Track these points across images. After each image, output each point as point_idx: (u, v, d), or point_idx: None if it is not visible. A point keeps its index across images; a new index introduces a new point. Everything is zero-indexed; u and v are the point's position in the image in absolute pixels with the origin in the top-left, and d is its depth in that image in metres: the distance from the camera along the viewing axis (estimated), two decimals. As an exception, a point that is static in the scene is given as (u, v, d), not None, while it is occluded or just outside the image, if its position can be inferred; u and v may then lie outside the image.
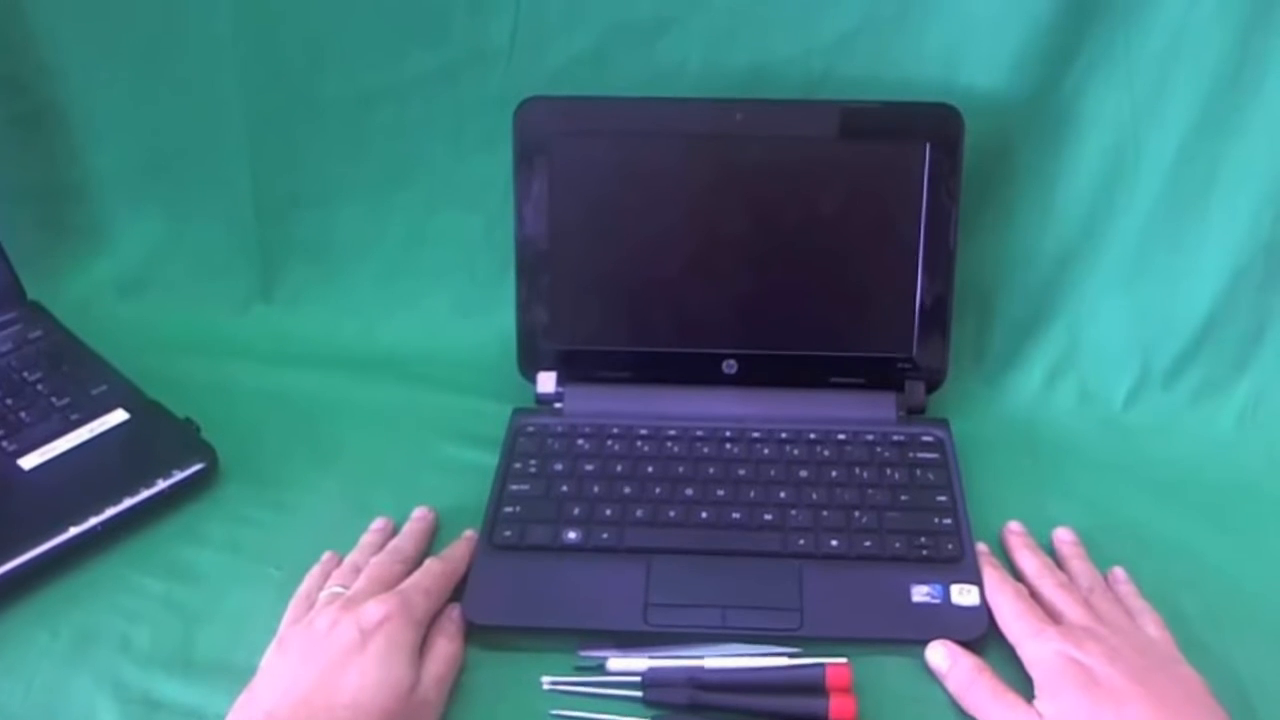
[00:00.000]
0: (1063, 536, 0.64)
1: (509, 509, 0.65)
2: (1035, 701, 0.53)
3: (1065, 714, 0.51)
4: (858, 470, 0.67)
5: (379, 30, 0.74)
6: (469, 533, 0.64)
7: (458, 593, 0.60)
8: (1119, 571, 0.62)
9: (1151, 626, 0.57)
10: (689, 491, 0.66)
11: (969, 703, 0.54)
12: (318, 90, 0.77)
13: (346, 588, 0.58)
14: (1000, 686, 0.54)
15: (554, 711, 0.55)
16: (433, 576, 0.59)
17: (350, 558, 0.62)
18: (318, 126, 0.78)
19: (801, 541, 0.62)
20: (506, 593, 0.60)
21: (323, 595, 0.58)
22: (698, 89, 0.72)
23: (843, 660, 0.56)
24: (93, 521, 0.63)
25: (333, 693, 0.51)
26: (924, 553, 0.62)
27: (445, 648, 0.56)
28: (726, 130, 0.69)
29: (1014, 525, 0.65)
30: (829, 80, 0.71)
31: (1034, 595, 0.60)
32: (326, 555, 0.63)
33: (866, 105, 0.69)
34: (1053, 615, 0.58)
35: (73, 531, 0.62)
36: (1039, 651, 0.55)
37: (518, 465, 0.68)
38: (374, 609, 0.54)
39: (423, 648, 0.55)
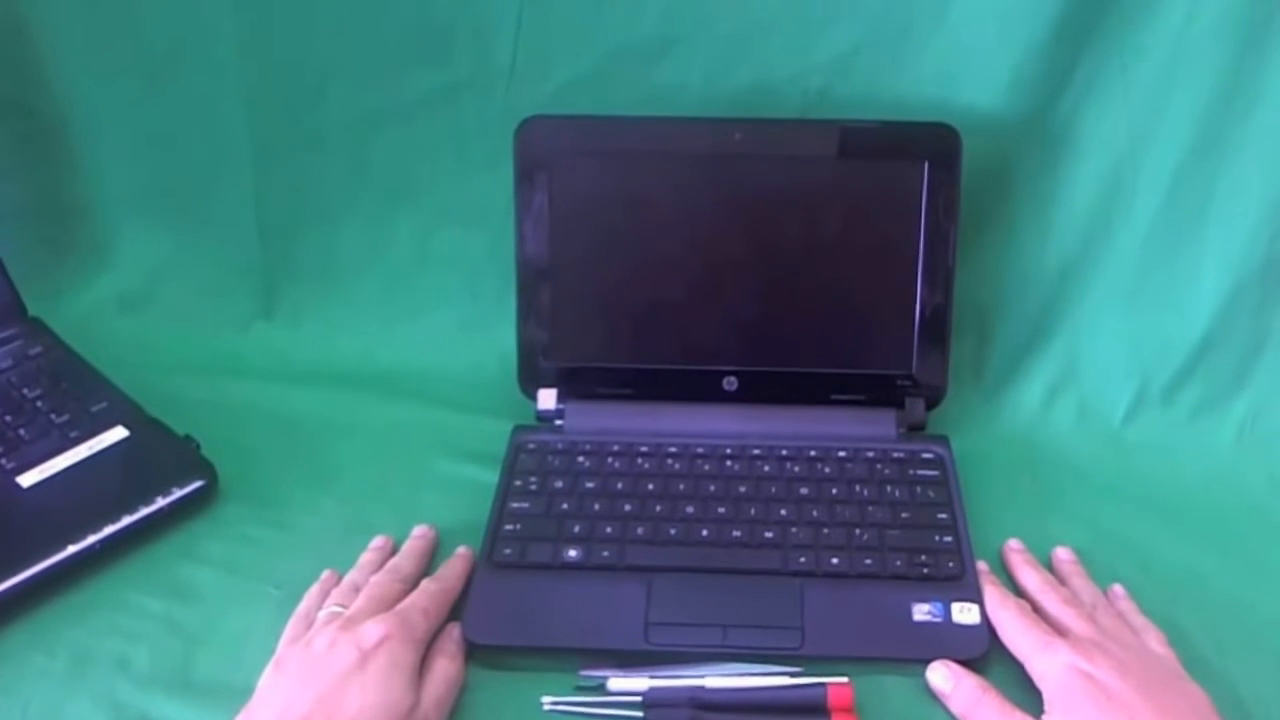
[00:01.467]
0: (1062, 555, 0.65)
1: (509, 527, 0.65)
2: (1045, 717, 0.53)
3: None
4: (858, 487, 0.67)
5: (381, 51, 0.75)
6: (462, 549, 0.64)
7: (457, 611, 0.60)
8: (1118, 589, 0.62)
9: (1154, 643, 0.58)
10: (690, 509, 0.66)
11: None
12: (320, 109, 0.77)
13: (345, 607, 0.58)
14: (1006, 705, 0.54)
15: (555, 731, 0.55)
16: (430, 596, 0.59)
17: (349, 576, 0.62)
18: (320, 146, 0.79)
19: (802, 559, 0.62)
20: (507, 612, 0.60)
21: (321, 614, 0.58)
22: (697, 109, 0.73)
23: (844, 679, 0.56)
24: (91, 540, 0.63)
25: (332, 713, 0.50)
26: (925, 571, 0.62)
27: (445, 667, 0.56)
28: (726, 150, 0.70)
29: (1014, 543, 0.65)
30: (827, 100, 0.72)
31: (1037, 610, 0.60)
32: (325, 574, 0.63)
33: (865, 125, 0.70)
34: (1057, 630, 0.58)
35: (71, 550, 0.62)
36: (1048, 665, 0.54)
37: (518, 483, 0.68)
38: (373, 629, 0.54)
39: (422, 668, 0.55)
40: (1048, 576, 0.62)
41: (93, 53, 0.78)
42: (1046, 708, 0.53)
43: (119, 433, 0.70)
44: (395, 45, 0.74)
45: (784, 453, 0.69)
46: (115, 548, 0.64)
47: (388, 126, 0.77)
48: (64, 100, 0.80)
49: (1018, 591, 0.62)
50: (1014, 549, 0.65)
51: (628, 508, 0.66)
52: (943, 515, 0.65)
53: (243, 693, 0.53)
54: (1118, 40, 0.67)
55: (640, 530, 0.64)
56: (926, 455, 0.69)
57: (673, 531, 0.64)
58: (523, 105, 0.72)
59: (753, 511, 0.65)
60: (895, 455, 0.69)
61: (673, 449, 0.70)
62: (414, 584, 0.60)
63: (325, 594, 0.61)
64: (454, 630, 0.59)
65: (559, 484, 0.68)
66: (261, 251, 0.83)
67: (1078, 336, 0.76)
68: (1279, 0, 0.64)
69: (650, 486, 0.67)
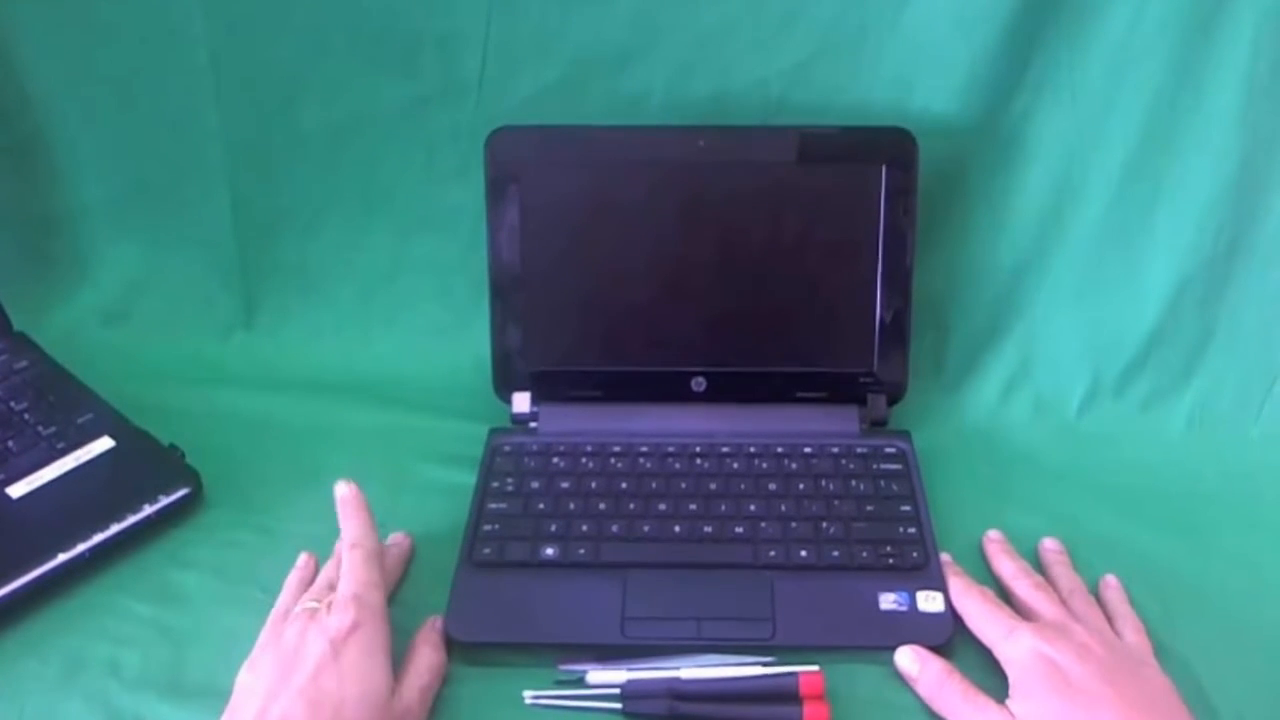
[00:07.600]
0: (1048, 545, 0.66)
1: (488, 527, 0.66)
2: (1008, 701, 0.54)
3: (1038, 715, 0.53)
4: (824, 482, 0.68)
5: (353, 63, 0.75)
6: (398, 536, 0.65)
7: (439, 605, 0.61)
8: (1111, 579, 0.63)
9: (1130, 631, 0.59)
10: (662, 506, 0.67)
11: (940, 705, 0.55)
12: (295, 121, 0.78)
13: (321, 603, 0.58)
14: (970, 688, 0.55)
15: (535, 725, 0.56)
16: (370, 568, 0.58)
17: (325, 572, 0.62)
18: (295, 157, 0.79)
19: (772, 553, 0.64)
20: (487, 609, 0.61)
21: (296, 609, 0.57)
22: (661, 117, 0.74)
23: (815, 668, 0.57)
24: (81, 548, 0.64)
25: (313, 705, 0.51)
26: (890, 561, 0.63)
27: (429, 657, 0.57)
28: (690, 157, 0.70)
29: (993, 533, 0.66)
30: (786, 106, 0.73)
31: (1010, 596, 0.61)
32: (302, 558, 0.63)
33: (825, 130, 0.71)
34: (1027, 615, 0.59)
35: (61, 558, 0.63)
36: (1013, 650, 0.56)
37: (495, 484, 0.69)
38: (338, 618, 0.54)
39: (407, 658, 0.56)
40: (1022, 564, 0.63)
41: (67, 64, 0.77)
42: (1010, 692, 0.55)
43: (105, 443, 0.71)
44: (365, 57, 0.74)
45: (752, 450, 0.70)
46: (104, 555, 0.64)
47: (360, 136, 0.78)
48: (40, 112, 0.80)
49: (992, 579, 0.63)
50: (993, 539, 0.66)
51: (602, 506, 0.67)
52: (906, 507, 0.67)
53: (231, 693, 0.54)
54: (1065, 44, 0.69)
55: (615, 528, 0.65)
56: (889, 450, 0.71)
57: (646, 529, 0.65)
58: (492, 114, 0.73)
59: (723, 508, 0.67)
60: (859, 450, 0.71)
61: (644, 448, 0.71)
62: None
63: (302, 583, 0.61)
64: (437, 621, 0.60)
65: (535, 485, 0.68)
66: (240, 261, 0.83)
67: (1032, 332, 0.77)
68: (1218, 1, 0.66)
69: (624, 485, 0.68)
